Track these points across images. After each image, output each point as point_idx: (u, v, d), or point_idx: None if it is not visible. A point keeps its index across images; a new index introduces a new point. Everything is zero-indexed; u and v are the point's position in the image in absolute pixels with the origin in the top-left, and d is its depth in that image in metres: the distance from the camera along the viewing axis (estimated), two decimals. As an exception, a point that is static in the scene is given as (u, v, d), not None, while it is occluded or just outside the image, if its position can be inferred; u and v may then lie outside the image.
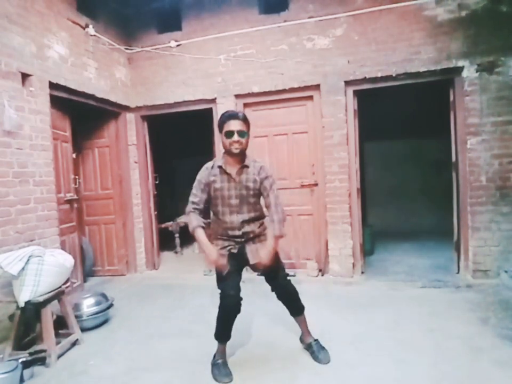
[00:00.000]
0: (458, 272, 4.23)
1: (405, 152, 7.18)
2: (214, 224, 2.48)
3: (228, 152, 2.34)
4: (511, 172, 3.87)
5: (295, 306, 2.56)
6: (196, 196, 2.38)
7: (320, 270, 4.50)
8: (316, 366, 2.48)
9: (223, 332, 2.44)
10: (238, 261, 2.40)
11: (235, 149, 2.28)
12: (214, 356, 2.49)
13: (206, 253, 2.28)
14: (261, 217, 2.48)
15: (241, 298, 2.37)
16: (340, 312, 3.34)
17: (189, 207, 2.38)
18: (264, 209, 2.50)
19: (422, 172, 7.05)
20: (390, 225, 6.86)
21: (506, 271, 3.83)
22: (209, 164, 2.42)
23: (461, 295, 3.62)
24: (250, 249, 2.40)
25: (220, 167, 2.37)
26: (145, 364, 2.65)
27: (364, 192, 6.27)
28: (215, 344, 2.79)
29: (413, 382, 2.24)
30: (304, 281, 4.22)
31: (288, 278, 2.52)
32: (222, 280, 2.38)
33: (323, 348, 2.56)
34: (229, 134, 2.28)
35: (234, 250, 2.39)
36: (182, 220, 6.75)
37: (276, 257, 2.42)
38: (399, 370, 2.36)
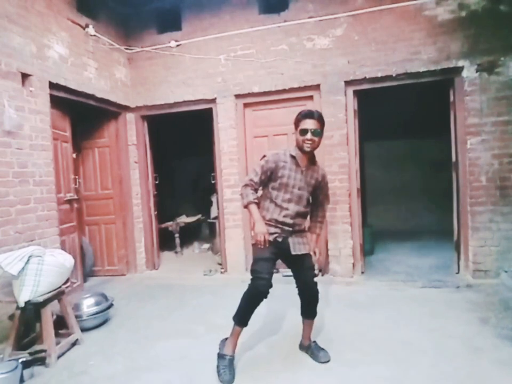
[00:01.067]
0: (458, 272, 4.24)
1: (405, 152, 7.19)
2: (266, 209, 2.46)
3: (299, 148, 2.43)
4: (511, 172, 3.88)
5: (311, 308, 2.56)
6: (257, 174, 2.42)
7: (320, 270, 4.50)
8: (316, 366, 2.48)
9: (245, 314, 2.41)
10: (278, 250, 2.43)
11: (307, 147, 2.37)
12: (224, 343, 2.49)
13: (257, 226, 2.34)
14: (308, 214, 2.58)
15: (271, 285, 2.36)
16: (339, 312, 3.35)
17: (247, 182, 2.43)
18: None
19: (422, 172, 7.05)
20: (390, 225, 6.87)
21: (506, 271, 3.83)
22: (280, 151, 2.51)
23: (461, 295, 3.62)
24: (293, 241, 2.44)
25: (292, 156, 2.45)
26: (145, 364, 2.65)
27: (364, 192, 6.26)
28: (215, 344, 2.79)
29: (413, 382, 2.24)
30: (304, 281, 4.21)
31: (316, 281, 2.53)
32: (258, 262, 2.40)
33: (322, 348, 2.57)
34: (304, 132, 2.37)
35: (279, 239, 2.42)
36: (182, 219, 6.77)
37: (311, 256, 2.53)
38: (399, 370, 2.36)
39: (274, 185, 2.43)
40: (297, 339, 2.71)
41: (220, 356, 2.44)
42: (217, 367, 2.40)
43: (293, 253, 2.43)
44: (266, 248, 2.36)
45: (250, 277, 2.40)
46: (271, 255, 2.40)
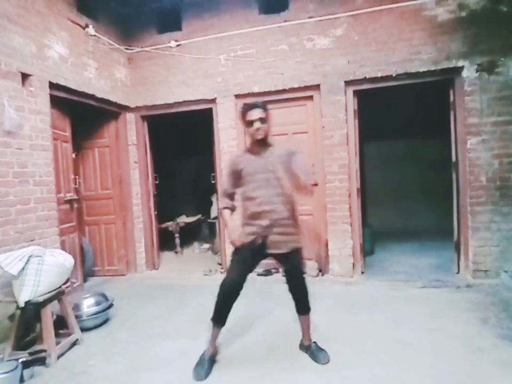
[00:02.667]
0: (458, 272, 4.24)
1: (405, 152, 7.18)
2: (245, 209, 2.51)
3: (253, 140, 2.51)
4: (511, 172, 3.88)
5: (304, 302, 2.58)
6: (226, 182, 2.62)
7: (320, 270, 4.50)
8: (316, 366, 2.48)
9: (219, 312, 2.50)
10: (259, 250, 2.45)
11: (259, 134, 2.43)
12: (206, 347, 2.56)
13: (228, 232, 2.53)
14: (290, 203, 2.50)
15: (242, 287, 2.45)
16: (340, 312, 3.34)
17: (221, 192, 2.64)
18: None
19: (422, 171, 7.05)
20: (390, 225, 6.86)
21: (506, 271, 3.83)
22: (237, 153, 2.71)
23: (461, 295, 3.61)
24: (272, 238, 2.43)
25: (247, 149, 2.60)
26: (145, 364, 2.65)
27: (364, 192, 6.26)
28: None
29: (413, 382, 2.24)
30: (304, 281, 4.21)
31: (304, 276, 2.57)
32: (232, 262, 2.51)
33: (322, 349, 2.58)
34: (252, 123, 2.43)
35: (258, 240, 2.43)
36: (182, 219, 6.77)
37: (300, 252, 2.54)
38: (399, 370, 2.36)
39: (242, 181, 2.50)
40: (297, 339, 2.71)
41: (200, 356, 2.53)
42: (194, 368, 2.46)
43: (268, 251, 2.45)
44: (246, 251, 2.43)
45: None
46: (247, 256, 2.45)
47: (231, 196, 2.59)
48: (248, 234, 2.44)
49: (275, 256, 2.52)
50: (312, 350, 2.57)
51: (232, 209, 2.59)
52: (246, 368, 2.49)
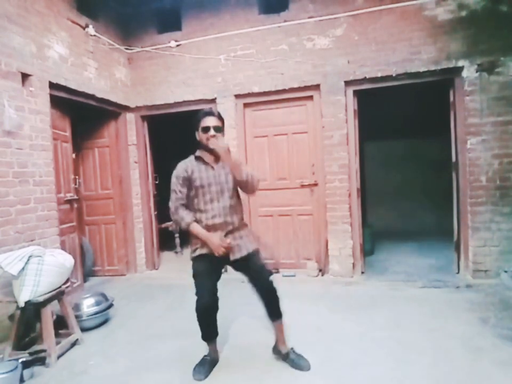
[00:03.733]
0: (458, 272, 4.24)
1: (405, 152, 7.18)
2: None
3: (204, 147, 2.42)
4: (511, 172, 3.88)
5: (273, 307, 2.45)
6: (178, 191, 2.40)
7: (320, 270, 4.50)
8: (315, 366, 2.46)
9: (206, 330, 2.46)
10: (217, 260, 2.39)
11: (211, 143, 2.35)
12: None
13: (209, 241, 2.33)
14: (240, 209, 2.51)
15: (216, 300, 2.37)
16: (339, 312, 3.34)
17: (174, 203, 2.41)
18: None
19: (422, 171, 7.05)
20: (390, 225, 6.86)
21: (506, 271, 3.83)
22: (184, 160, 2.49)
23: (461, 295, 3.62)
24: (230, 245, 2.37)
25: (197, 158, 2.45)
26: (145, 364, 2.65)
27: (364, 192, 6.26)
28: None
29: (413, 382, 2.24)
30: (304, 281, 4.22)
31: (271, 278, 2.43)
32: (196, 279, 2.40)
33: (301, 355, 2.48)
34: (206, 129, 2.38)
35: (214, 253, 2.36)
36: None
37: (258, 253, 2.45)
38: (399, 370, 2.36)
39: (194, 193, 2.41)
40: (296, 339, 2.70)
41: (201, 358, 2.51)
42: (194, 368, 2.45)
43: (232, 258, 2.37)
44: (204, 261, 2.37)
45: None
46: (210, 267, 2.38)
47: (187, 207, 2.42)
48: (203, 247, 2.39)
49: (236, 264, 2.43)
50: (292, 358, 2.46)
51: (197, 221, 2.41)
52: (245, 368, 2.49)
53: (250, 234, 2.51)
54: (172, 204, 2.41)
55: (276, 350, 2.57)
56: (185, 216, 2.39)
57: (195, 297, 2.37)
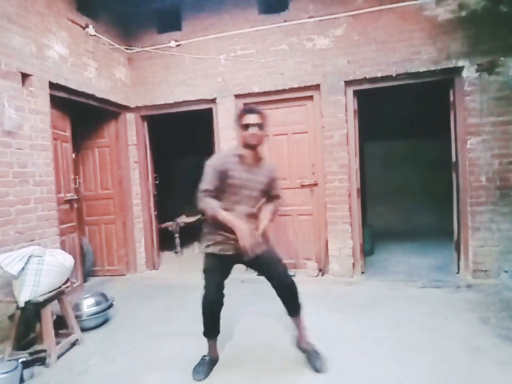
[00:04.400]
0: (458, 272, 4.24)
1: (405, 152, 7.18)
2: (210, 221, 2.41)
3: (245, 145, 2.38)
4: (511, 172, 3.88)
5: (292, 302, 2.47)
6: (209, 182, 2.31)
7: (320, 270, 4.50)
8: (315, 366, 2.47)
9: (208, 326, 2.48)
10: (231, 258, 2.40)
11: (253, 139, 2.33)
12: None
13: (239, 231, 2.24)
14: (257, 215, 2.47)
15: (222, 296, 2.42)
16: (339, 312, 3.34)
17: (203, 193, 2.31)
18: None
19: (422, 171, 7.05)
20: (390, 225, 6.86)
21: (506, 271, 3.83)
22: (224, 152, 2.47)
23: (461, 295, 3.62)
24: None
25: (237, 155, 2.39)
26: (145, 364, 2.65)
27: (364, 192, 6.26)
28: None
29: (413, 382, 2.24)
30: (304, 281, 4.20)
31: (288, 273, 2.49)
32: (205, 273, 2.43)
33: (320, 356, 2.46)
34: (247, 126, 2.34)
35: (230, 252, 2.36)
36: (182, 220, 6.76)
37: (272, 250, 2.49)
38: (399, 370, 2.36)
39: (226, 189, 2.35)
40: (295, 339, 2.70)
41: (200, 358, 2.52)
42: (193, 368, 2.46)
43: (246, 258, 2.35)
44: (217, 258, 2.38)
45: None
46: (221, 265, 2.40)
47: (215, 198, 2.33)
48: (218, 243, 2.37)
49: (252, 263, 2.44)
50: (309, 355, 2.48)
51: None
52: (245, 368, 2.49)
53: (265, 233, 2.48)
54: (201, 192, 2.31)
55: (298, 346, 2.61)
56: (213, 203, 2.29)
57: (203, 292, 2.40)
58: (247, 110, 2.43)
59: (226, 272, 2.47)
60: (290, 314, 2.52)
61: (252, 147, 2.37)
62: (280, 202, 2.56)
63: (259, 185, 2.41)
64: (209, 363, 2.49)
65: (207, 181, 2.31)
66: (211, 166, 2.35)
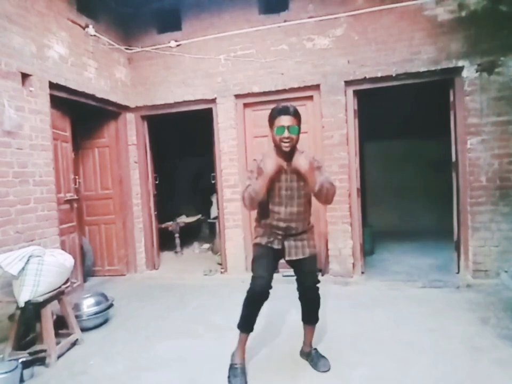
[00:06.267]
0: (458, 272, 4.24)
1: (405, 152, 7.18)
2: (260, 215, 2.41)
3: (277, 148, 2.28)
4: (511, 172, 3.88)
5: (312, 313, 2.47)
6: (251, 179, 2.27)
7: (320, 270, 4.50)
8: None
9: (248, 318, 2.35)
10: (276, 252, 2.37)
11: (285, 147, 2.21)
12: (233, 354, 2.43)
13: (266, 172, 2.14)
14: (308, 215, 2.43)
15: (270, 287, 2.29)
16: (339, 312, 3.35)
17: (245, 193, 2.24)
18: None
19: (422, 171, 7.05)
20: (390, 225, 6.86)
21: (506, 271, 3.82)
22: (258, 156, 2.39)
23: (461, 295, 3.62)
24: (288, 244, 2.34)
25: (272, 158, 2.28)
26: (145, 364, 2.65)
27: (364, 192, 6.26)
28: (215, 344, 2.79)
29: (413, 382, 2.24)
30: (304, 281, 4.21)
31: (318, 285, 2.43)
32: (256, 261, 2.36)
33: (323, 356, 2.48)
34: (280, 130, 2.21)
35: (276, 246, 2.34)
36: (182, 219, 6.77)
37: (314, 259, 2.42)
38: (399, 370, 2.36)
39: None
40: (298, 341, 2.68)
41: (230, 366, 2.38)
42: (228, 377, 2.32)
43: (287, 258, 2.35)
44: (265, 248, 2.34)
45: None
46: (269, 254, 2.35)
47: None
48: (264, 236, 2.36)
49: (290, 263, 2.40)
50: (312, 357, 2.48)
51: (264, 218, 2.37)
52: (246, 368, 2.48)
53: (312, 238, 2.43)
54: (243, 193, 2.26)
55: (302, 352, 2.59)
56: (249, 188, 2.21)
57: (251, 282, 2.31)
58: (280, 110, 2.25)
59: (274, 262, 2.39)
60: (306, 323, 2.52)
61: (284, 152, 2.25)
62: (330, 181, 2.25)
63: (297, 184, 2.29)
64: (241, 370, 2.35)
65: (249, 185, 2.24)
66: (250, 171, 2.33)
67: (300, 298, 2.47)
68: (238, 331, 2.40)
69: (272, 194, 2.30)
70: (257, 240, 2.40)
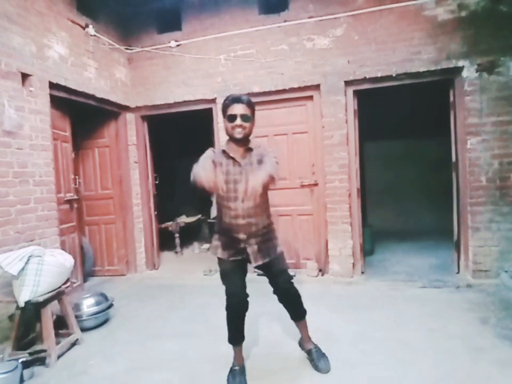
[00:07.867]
0: (458, 272, 4.24)
1: (405, 152, 7.18)
2: (218, 217, 2.36)
3: (230, 137, 2.24)
4: (511, 172, 3.88)
5: (296, 310, 2.48)
6: (204, 167, 2.06)
7: (320, 270, 4.50)
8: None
9: (235, 331, 2.37)
10: (242, 262, 2.33)
11: (238, 133, 2.16)
12: (233, 359, 2.42)
13: (205, 175, 1.96)
14: (266, 209, 2.34)
15: (247, 296, 2.33)
16: (340, 312, 3.35)
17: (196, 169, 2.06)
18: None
19: (422, 171, 7.05)
20: (390, 225, 6.86)
21: (506, 271, 3.83)
22: (213, 149, 2.31)
23: (461, 295, 3.62)
24: (252, 250, 2.26)
25: (223, 151, 2.24)
26: (145, 364, 2.65)
27: (364, 192, 6.26)
28: (215, 344, 2.80)
29: (413, 382, 2.24)
30: (304, 281, 4.21)
31: (292, 281, 2.43)
32: (224, 277, 2.35)
33: (323, 355, 2.46)
34: (232, 118, 2.17)
35: (240, 257, 2.29)
36: (182, 219, 6.77)
37: (281, 257, 2.38)
38: (399, 370, 2.36)
39: None
40: (296, 338, 2.70)
41: (230, 370, 2.38)
42: (227, 379, 2.33)
43: (254, 265, 2.27)
44: (229, 262, 2.29)
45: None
46: (235, 267, 2.30)
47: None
48: (225, 249, 2.30)
49: (259, 267, 2.32)
50: (313, 357, 2.46)
51: (221, 217, 2.28)
52: (246, 368, 2.48)
53: (275, 237, 2.38)
54: (193, 171, 2.06)
55: (301, 346, 2.59)
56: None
57: (226, 297, 2.32)
58: (233, 98, 2.21)
59: (243, 271, 2.37)
60: (294, 319, 2.52)
61: (238, 141, 2.20)
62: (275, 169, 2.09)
63: (252, 176, 2.18)
64: (240, 373, 2.35)
65: (201, 167, 2.05)
66: (204, 157, 2.20)
67: (279, 300, 2.44)
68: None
69: (227, 190, 2.14)
70: (219, 254, 2.33)
